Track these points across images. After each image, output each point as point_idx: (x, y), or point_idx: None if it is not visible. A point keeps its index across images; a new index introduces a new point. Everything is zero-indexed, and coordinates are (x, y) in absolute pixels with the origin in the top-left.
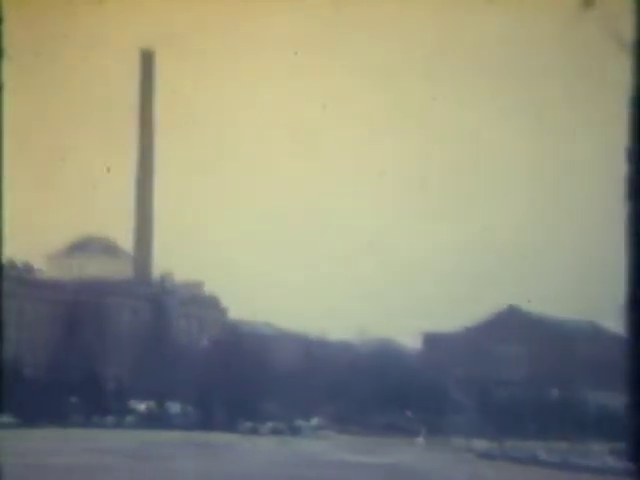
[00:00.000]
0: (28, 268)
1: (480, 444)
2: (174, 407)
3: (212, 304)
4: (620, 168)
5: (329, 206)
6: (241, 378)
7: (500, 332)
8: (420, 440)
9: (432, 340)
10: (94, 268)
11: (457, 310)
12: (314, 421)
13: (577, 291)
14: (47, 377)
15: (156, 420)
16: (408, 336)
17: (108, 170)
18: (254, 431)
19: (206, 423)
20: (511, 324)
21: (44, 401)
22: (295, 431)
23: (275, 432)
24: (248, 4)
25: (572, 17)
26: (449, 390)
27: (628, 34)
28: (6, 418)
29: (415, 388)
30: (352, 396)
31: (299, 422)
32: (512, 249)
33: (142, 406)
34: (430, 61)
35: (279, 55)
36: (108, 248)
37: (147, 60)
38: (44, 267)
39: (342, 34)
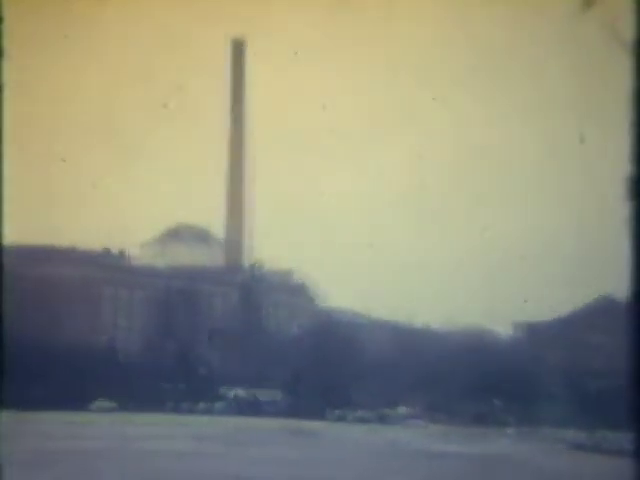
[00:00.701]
0: (123, 255)
1: (571, 435)
2: (264, 394)
3: (302, 292)
4: (621, 168)
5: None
6: (330, 366)
7: (594, 321)
8: (510, 430)
9: (524, 328)
10: (186, 255)
11: (551, 298)
12: (402, 410)
13: (577, 291)
14: (141, 363)
15: (246, 407)
16: (499, 324)
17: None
18: (342, 419)
19: (295, 410)
20: (605, 313)
21: (138, 386)
22: (383, 420)
23: (363, 420)
24: None
25: (572, 17)
26: (540, 380)
27: (628, 34)
28: (105, 402)
29: (506, 377)
30: (441, 385)
31: (387, 411)
32: (512, 249)
33: (232, 393)
34: (430, 61)
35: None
36: (200, 236)
37: (238, 50)
38: (138, 254)
39: (342, 34)
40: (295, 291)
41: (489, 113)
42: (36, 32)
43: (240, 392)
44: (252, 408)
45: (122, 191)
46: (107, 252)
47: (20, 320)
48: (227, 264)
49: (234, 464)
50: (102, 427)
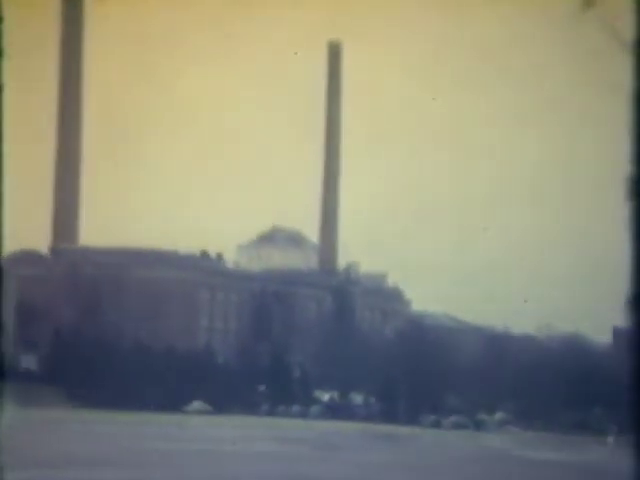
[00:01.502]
0: (220, 259)
1: None
2: (357, 398)
3: (395, 296)
4: (621, 168)
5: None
6: (424, 371)
7: None
8: (610, 439)
9: (624, 335)
10: (281, 259)
11: None
12: (498, 416)
13: (577, 291)
14: (236, 365)
15: (339, 411)
16: (598, 330)
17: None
18: (437, 424)
19: (389, 415)
20: None
21: (233, 389)
22: (478, 426)
23: (458, 426)
24: None
25: (572, 17)
26: None
27: (628, 34)
28: (200, 404)
29: (605, 385)
30: (537, 391)
31: (482, 417)
32: (512, 249)
33: (326, 396)
34: (430, 61)
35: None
36: (295, 239)
37: (334, 52)
38: (235, 258)
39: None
40: (389, 295)
41: (488, 113)
42: (36, 32)
43: (334, 396)
44: (345, 412)
45: (218, 195)
46: (205, 256)
47: (122, 321)
48: (321, 267)
49: (326, 467)
50: (197, 429)
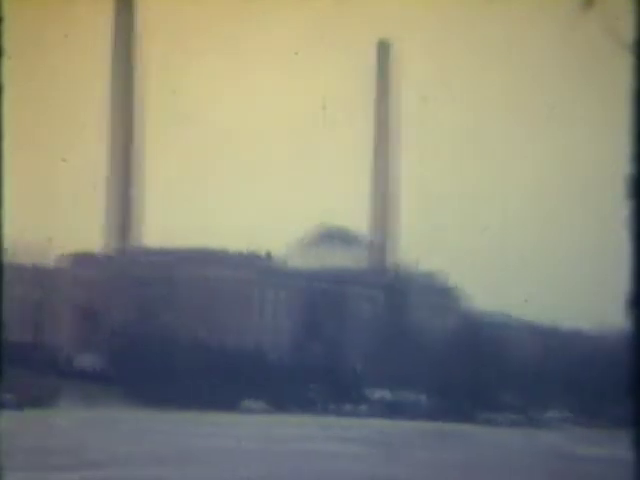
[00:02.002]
0: (270, 257)
1: None
2: (410, 396)
3: (448, 293)
4: (621, 168)
5: None
6: (477, 368)
7: None
8: None
9: None
10: (331, 257)
11: None
12: (553, 413)
13: (577, 290)
14: (288, 364)
15: (392, 409)
16: None
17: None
18: (492, 422)
19: (443, 413)
20: None
21: (285, 388)
22: (534, 423)
23: (514, 423)
24: None
25: (572, 17)
26: None
27: (628, 34)
28: (253, 403)
29: None
30: (592, 388)
31: (537, 413)
32: (511, 249)
33: (378, 395)
34: (430, 61)
35: None
36: (345, 237)
37: (384, 52)
38: (285, 256)
39: (342, 34)
40: (440, 292)
41: (488, 113)
42: (36, 32)
43: (386, 394)
44: (397, 410)
45: (268, 193)
46: (255, 254)
47: (177, 321)
48: (372, 265)
49: (378, 466)
50: (249, 427)
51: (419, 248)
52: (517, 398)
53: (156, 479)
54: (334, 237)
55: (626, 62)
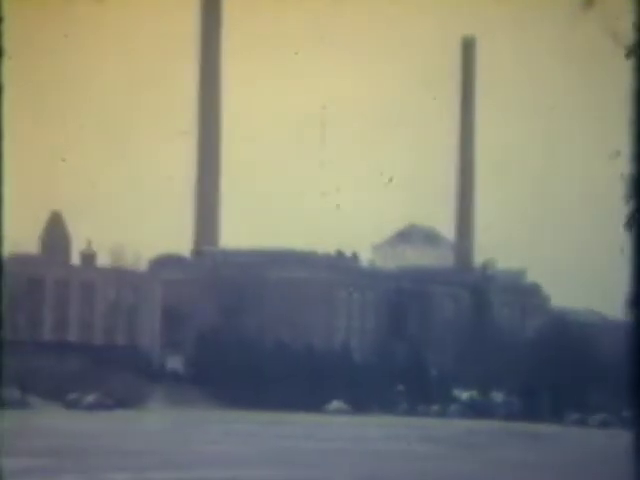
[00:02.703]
0: (355, 258)
1: None
2: (497, 396)
3: (534, 292)
4: (621, 168)
5: None
6: (566, 367)
7: None
8: None
9: None
10: (416, 257)
11: None
12: None
13: (578, 290)
14: (374, 365)
15: (479, 409)
16: None
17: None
18: (581, 422)
19: (530, 413)
20: None
21: (371, 388)
22: (625, 423)
23: (603, 424)
24: None
25: (572, 17)
26: None
27: (628, 34)
28: (340, 404)
29: None
30: None
31: (629, 414)
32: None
33: (465, 395)
34: (430, 61)
35: None
36: (430, 237)
37: (468, 48)
38: (370, 256)
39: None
40: (527, 291)
41: (488, 113)
42: (36, 32)
43: (473, 394)
44: (485, 411)
45: (353, 193)
46: (341, 255)
47: (263, 322)
48: (457, 265)
49: (467, 466)
50: (337, 428)
51: (504, 247)
52: (607, 398)
53: None
54: (420, 237)
55: (626, 62)
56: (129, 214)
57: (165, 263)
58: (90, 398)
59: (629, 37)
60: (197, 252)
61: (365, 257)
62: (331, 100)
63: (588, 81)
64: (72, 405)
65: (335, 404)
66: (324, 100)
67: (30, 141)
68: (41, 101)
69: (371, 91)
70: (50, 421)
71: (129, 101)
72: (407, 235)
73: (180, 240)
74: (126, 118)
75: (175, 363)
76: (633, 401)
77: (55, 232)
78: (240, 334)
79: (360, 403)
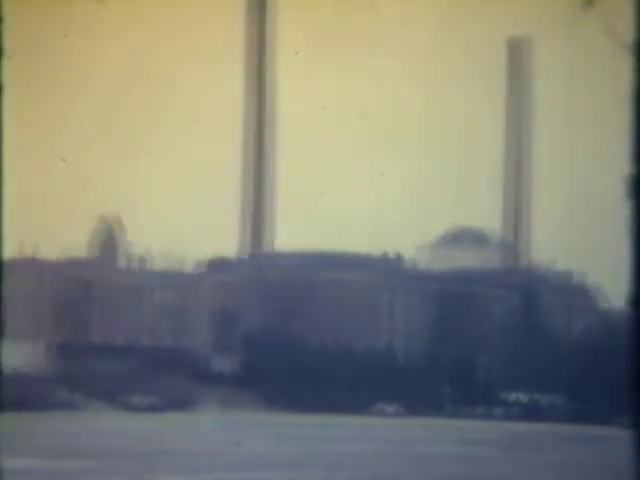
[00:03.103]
0: (400, 259)
1: None
2: (546, 399)
3: (583, 293)
4: (621, 167)
5: None
6: (617, 368)
7: None
8: None
9: None
10: (462, 258)
11: None
12: None
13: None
14: (419, 366)
15: (526, 412)
16: None
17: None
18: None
19: (580, 416)
20: None
21: (417, 390)
22: None
23: None
24: None
25: (572, 17)
26: None
27: (628, 34)
28: (385, 406)
29: None
30: None
31: None
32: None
33: (512, 397)
34: (430, 61)
35: None
36: (478, 238)
37: (516, 49)
38: (416, 258)
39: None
40: (575, 292)
41: (488, 113)
42: (36, 32)
43: (520, 396)
44: (532, 413)
45: (399, 194)
46: (386, 257)
47: (310, 324)
48: (504, 266)
49: (515, 470)
50: (383, 430)
51: (553, 247)
52: None
53: None
54: (466, 238)
55: (626, 62)
56: (178, 217)
57: (215, 265)
58: (140, 400)
59: (629, 37)
60: (245, 255)
61: (410, 258)
62: (390, 104)
63: (588, 81)
64: (122, 407)
65: (381, 406)
66: (384, 103)
67: (30, 141)
68: (41, 101)
69: (420, 92)
70: (101, 423)
71: (129, 101)
72: (453, 236)
73: (229, 242)
74: (139, 118)
75: (223, 365)
76: (633, 401)
77: (104, 236)
78: (288, 336)
79: (406, 405)
